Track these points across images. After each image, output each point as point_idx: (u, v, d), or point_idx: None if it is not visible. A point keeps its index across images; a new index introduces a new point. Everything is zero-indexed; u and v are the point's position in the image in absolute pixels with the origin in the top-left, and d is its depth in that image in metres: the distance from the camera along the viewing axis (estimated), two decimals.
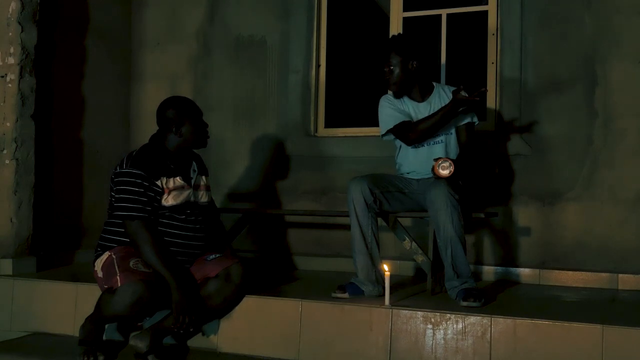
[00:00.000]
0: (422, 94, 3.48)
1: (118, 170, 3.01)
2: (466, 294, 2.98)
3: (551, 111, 4.00)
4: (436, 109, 3.39)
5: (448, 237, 3.11)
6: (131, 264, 2.86)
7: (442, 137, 3.42)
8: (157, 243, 2.91)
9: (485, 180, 4.05)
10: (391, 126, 3.42)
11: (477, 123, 3.51)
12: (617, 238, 3.83)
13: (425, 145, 3.42)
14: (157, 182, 2.97)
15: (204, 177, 3.22)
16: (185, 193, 3.06)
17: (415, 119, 3.43)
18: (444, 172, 3.17)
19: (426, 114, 3.41)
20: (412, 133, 3.36)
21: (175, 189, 3.02)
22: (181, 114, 3.08)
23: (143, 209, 2.93)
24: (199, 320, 2.92)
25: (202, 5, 4.83)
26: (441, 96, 3.47)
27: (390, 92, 3.56)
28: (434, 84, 3.55)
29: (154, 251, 2.89)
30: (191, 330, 2.90)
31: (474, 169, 3.52)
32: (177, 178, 3.05)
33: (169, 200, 3.00)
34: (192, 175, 3.12)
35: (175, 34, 4.89)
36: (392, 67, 3.40)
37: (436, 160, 3.22)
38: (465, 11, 4.37)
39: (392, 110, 3.45)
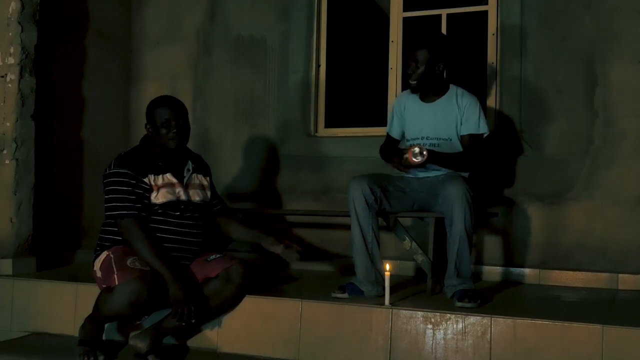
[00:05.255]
0: (435, 95, 3.41)
1: (107, 171, 3.03)
2: (462, 294, 2.98)
3: (551, 111, 4.00)
4: (439, 112, 3.36)
5: (458, 233, 3.09)
6: (128, 262, 2.86)
7: (435, 142, 3.34)
8: (149, 239, 2.92)
9: (486, 180, 4.04)
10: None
11: (486, 134, 3.37)
12: (617, 238, 3.83)
13: None
14: (144, 180, 2.98)
15: (200, 177, 3.21)
16: (176, 190, 3.06)
17: (414, 119, 3.43)
18: (417, 160, 3.14)
19: (427, 115, 3.38)
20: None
21: (164, 185, 3.02)
22: (147, 114, 3.13)
23: (132, 206, 2.93)
24: (198, 312, 2.89)
25: (202, 5, 4.83)
26: (451, 101, 3.38)
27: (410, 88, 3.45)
28: (451, 86, 3.43)
29: (147, 247, 2.89)
30: (193, 321, 2.86)
31: (474, 174, 3.45)
32: (167, 175, 3.06)
33: (159, 198, 3.00)
34: (185, 174, 3.13)
35: (175, 34, 4.89)
36: (418, 64, 3.32)
37: (409, 148, 3.18)
38: (465, 11, 4.37)
39: (393, 116, 3.58)
